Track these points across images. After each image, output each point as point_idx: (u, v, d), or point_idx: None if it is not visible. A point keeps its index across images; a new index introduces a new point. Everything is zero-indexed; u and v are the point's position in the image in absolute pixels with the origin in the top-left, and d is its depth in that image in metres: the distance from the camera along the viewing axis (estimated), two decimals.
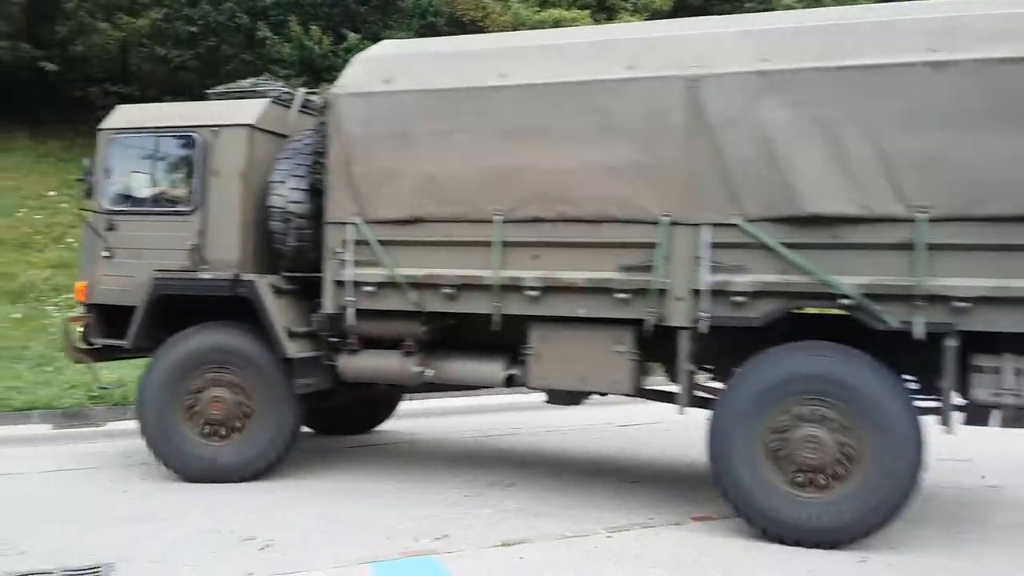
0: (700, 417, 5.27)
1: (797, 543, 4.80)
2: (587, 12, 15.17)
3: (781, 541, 4.84)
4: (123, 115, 6.73)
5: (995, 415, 4.67)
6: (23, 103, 16.94)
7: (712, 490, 5.16)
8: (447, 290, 5.59)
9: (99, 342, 6.57)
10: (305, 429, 7.92)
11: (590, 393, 5.86)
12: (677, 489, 6.05)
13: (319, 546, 4.73)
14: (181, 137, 6.40)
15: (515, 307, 5.46)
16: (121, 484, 6.09)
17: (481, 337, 5.78)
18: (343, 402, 7.26)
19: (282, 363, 5.97)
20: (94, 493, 5.88)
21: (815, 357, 4.86)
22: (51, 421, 8.58)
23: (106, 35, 16.87)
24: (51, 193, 14.63)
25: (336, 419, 7.82)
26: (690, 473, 6.47)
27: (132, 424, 6.71)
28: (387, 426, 8.14)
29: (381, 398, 7.85)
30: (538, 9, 15.38)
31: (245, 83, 6.80)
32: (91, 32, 17.21)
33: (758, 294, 4.93)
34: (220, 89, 6.83)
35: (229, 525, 5.08)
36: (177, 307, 6.26)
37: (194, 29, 16.96)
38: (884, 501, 4.68)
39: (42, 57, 16.88)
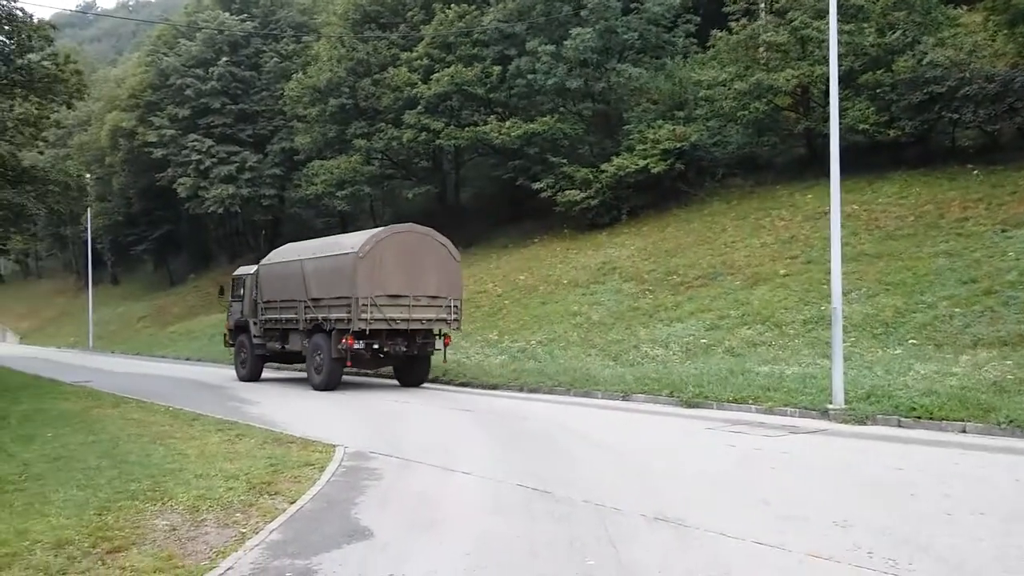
0: None
1: (321, 391, 17.38)
2: None
3: (315, 390, 17.46)
4: (238, 270, 21.85)
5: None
6: None
7: None
8: (277, 322, 19.32)
9: (230, 341, 21.71)
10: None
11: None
12: None
13: None
14: (246, 277, 21.22)
15: (292, 327, 18.97)
16: None
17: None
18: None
19: (253, 344, 20.26)
20: None
21: (317, 337, 17.55)
22: None
23: None
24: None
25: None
26: None
27: None
28: None
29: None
30: None
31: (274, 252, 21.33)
32: None
33: (311, 320, 17.79)
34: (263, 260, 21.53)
35: None
36: (240, 330, 21.01)
37: None
38: (329, 378, 17.15)
39: None
